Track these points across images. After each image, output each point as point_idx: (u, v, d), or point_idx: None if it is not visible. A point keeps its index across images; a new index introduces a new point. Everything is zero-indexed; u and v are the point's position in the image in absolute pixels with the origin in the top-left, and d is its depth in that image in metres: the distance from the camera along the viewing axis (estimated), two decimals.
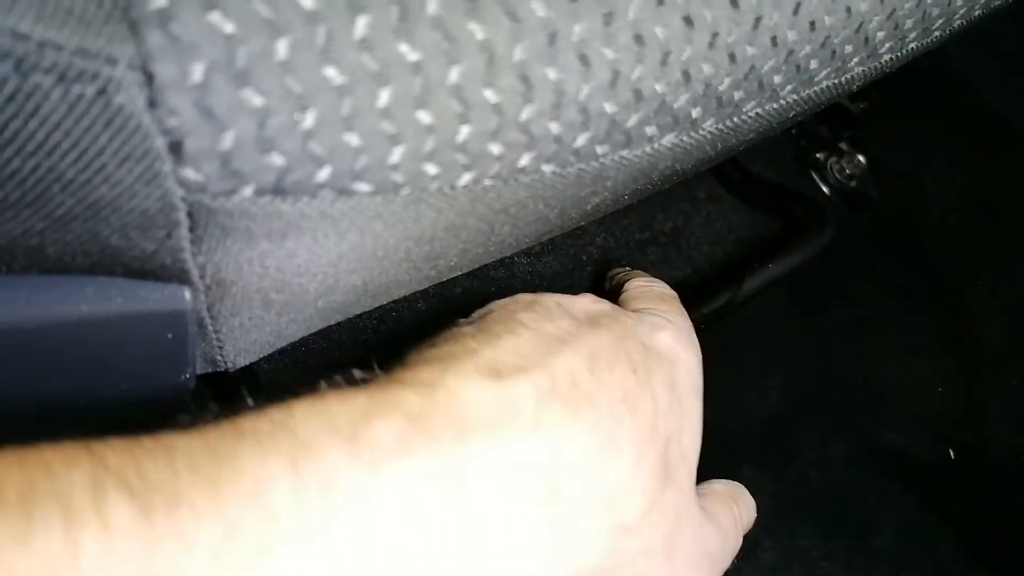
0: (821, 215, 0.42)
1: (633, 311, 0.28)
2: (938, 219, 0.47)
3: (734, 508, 0.28)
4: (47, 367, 0.17)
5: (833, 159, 0.48)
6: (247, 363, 0.22)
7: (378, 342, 0.37)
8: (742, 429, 0.43)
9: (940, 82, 0.47)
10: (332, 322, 0.24)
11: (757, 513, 0.43)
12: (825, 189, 0.48)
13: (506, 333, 0.22)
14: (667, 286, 0.32)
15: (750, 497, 0.30)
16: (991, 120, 0.46)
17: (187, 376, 0.20)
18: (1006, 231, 0.46)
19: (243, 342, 0.20)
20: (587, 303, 0.26)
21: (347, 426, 0.17)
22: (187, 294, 0.17)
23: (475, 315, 0.25)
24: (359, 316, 0.36)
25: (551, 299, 0.26)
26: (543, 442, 0.20)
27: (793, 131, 0.48)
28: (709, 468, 0.42)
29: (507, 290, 0.39)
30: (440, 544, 0.17)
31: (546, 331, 0.23)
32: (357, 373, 0.20)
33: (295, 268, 0.17)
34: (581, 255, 0.41)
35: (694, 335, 0.28)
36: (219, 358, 0.20)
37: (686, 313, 0.29)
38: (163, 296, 0.17)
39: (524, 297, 0.26)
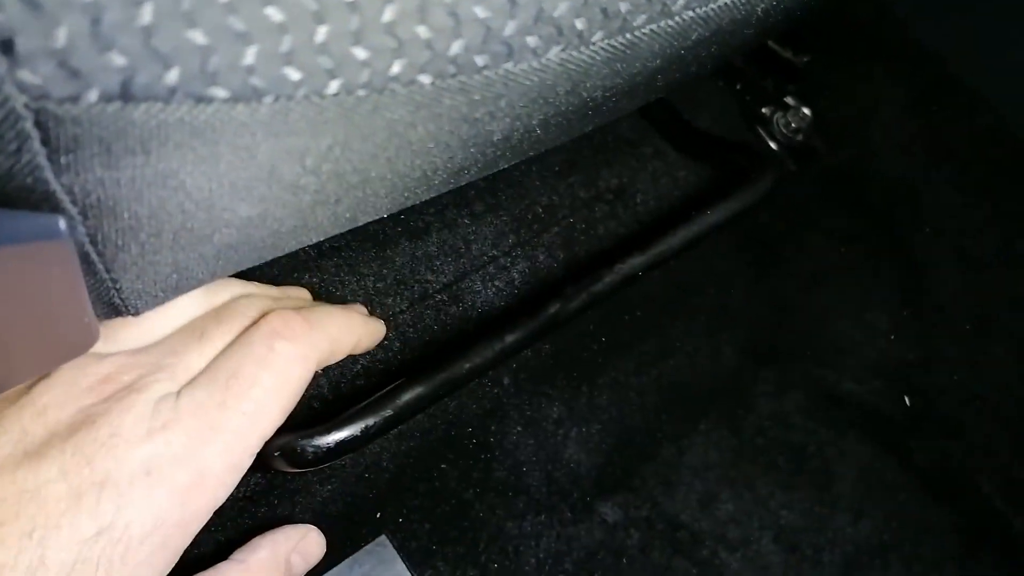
0: (762, 164, 0.42)
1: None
2: (886, 168, 0.48)
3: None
4: None
5: (779, 113, 0.48)
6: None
7: None
8: (698, 383, 0.43)
9: (881, 32, 0.47)
10: (245, 267, 0.23)
11: (713, 465, 0.43)
12: (772, 144, 0.48)
13: None
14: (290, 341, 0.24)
15: (314, 537, 0.28)
16: (934, 67, 0.46)
17: (87, 320, 0.20)
18: (952, 178, 0.46)
19: (140, 282, 0.20)
20: (106, 370, 0.22)
21: None
22: (61, 223, 0.16)
23: None
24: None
25: (82, 382, 0.22)
26: None
27: (738, 86, 0.48)
28: (665, 423, 0.42)
29: (451, 252, 0.39)
30: None
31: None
32: None
33: (172, 191, 0.17)
34: (527, 214, 0.41)
35: (237, 448, 0.23)
36: (117, 301, 0.20)
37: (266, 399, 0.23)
38: (37, 226, 0.16)
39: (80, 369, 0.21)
